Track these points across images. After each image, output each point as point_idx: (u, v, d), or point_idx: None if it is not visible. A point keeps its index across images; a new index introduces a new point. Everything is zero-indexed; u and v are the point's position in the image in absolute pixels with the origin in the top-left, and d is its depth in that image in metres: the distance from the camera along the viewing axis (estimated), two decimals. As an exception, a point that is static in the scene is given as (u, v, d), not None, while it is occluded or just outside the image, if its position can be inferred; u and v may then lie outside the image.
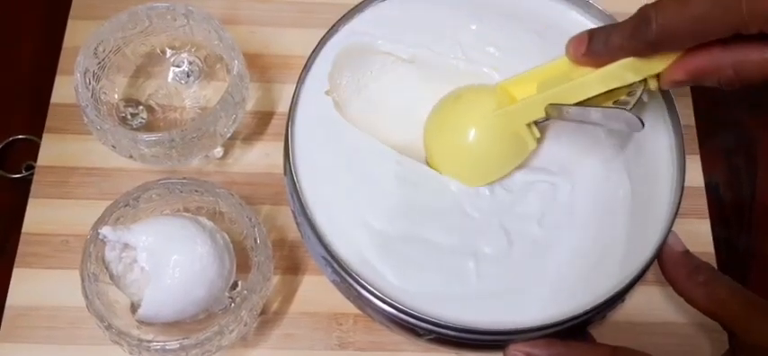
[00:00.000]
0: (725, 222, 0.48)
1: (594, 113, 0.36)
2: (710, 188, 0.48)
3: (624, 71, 0.35)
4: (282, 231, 0.46)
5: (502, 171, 0.41)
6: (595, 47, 0.35)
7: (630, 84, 0.35)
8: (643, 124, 0.35)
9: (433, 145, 0.41)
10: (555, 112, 0.37)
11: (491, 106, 0.39)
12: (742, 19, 0.30)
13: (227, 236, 0.42)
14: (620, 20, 0.42)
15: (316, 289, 0.44)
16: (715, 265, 0.46)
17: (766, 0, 0.29)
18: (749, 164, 0.51)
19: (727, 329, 0.36)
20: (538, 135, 0.40)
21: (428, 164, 0.42)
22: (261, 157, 0.48)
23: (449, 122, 0.41)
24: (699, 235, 0.46)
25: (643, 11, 0.33)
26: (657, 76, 0.35)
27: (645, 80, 0.35)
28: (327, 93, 0.41)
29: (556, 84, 0.37)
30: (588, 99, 0.36)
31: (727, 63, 0.32)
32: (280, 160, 0.46)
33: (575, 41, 0.36)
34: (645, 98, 0.36)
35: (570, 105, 0.36)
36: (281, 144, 0.45)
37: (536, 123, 0.39)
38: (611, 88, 0.35)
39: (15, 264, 0.44)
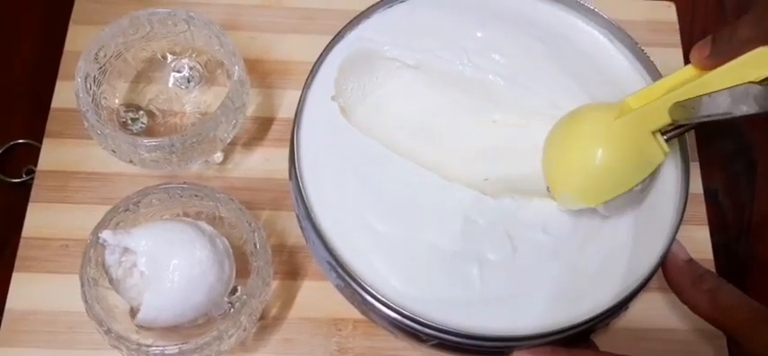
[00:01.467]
0: (724, 228, 0.48)
1: (722, 99, 0.33)
2: (709, 194, 0.49)
3: (751, 66, 0.32)
4: (282, 236, 0.46)
5: (626, 185, 0.37)
6: (720, 46, 0.34)
7: (762, 80, 0.32)
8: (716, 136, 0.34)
9: (555, 165, 0.39)
10: (681, 113, 0.35)
11: (611, 116, 0.37)
12: None
13: (226, 241, 0.42)
14: (625, 27, 0.42)
15: (315, 295, 0.44)
16: (714, 271, 0.46)
17: None
18: (748, 170, 0.51)
19: (731, 337, 0.36)
20: (667, 149, 0.37)
21: (549, 191, 0.40)
22: (261, 163, 0.48)
23: (569, 138, 0.39)
24: (698, 242, 0.46)
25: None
26: None
27: None
28: (333, 98, 0.41)
29: (677, 88, 0.35)
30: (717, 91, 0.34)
31: None
32: (280, 165, 0.46)
33: (698, 47, 0.35)
34: None
35: (696, 97, 0.34)
36: (282, 149, 0.45)
37: (663, 134, 0.37)
38: (741, 81, 0.33)
39: (15, 268, 0.44)
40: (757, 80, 0.32)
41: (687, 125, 0.36)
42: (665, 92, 0.36)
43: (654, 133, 0.37)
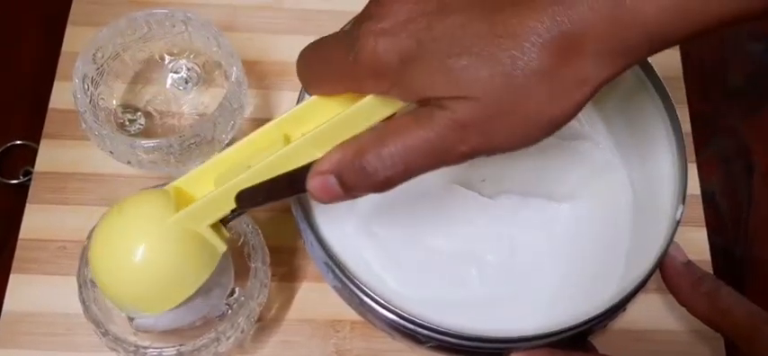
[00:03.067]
0: (721, 230, 0.48)
1: (283, 181, 0.31)
2: (707, 196, 0.49)
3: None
4: (280, 238, 0.45)
5: (191, 288, 0.33)
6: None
7: None
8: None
9: (102, 273, 0.33)
10: (248, 198, 0.31)
11: (167, 212, 0.32)
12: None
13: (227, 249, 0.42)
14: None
15: (313, 296, 0.44)
16: (711, 273, 0.46)
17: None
18: (745, 171, 0.51)
19: (730, 340, 0.36)
20: (227, 234, 0.34)
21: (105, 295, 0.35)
22: (259, 164, 0.48)
23: (117, 242, 0.33)
24: (695, 243, 0.46)
25: None
26: None
27: None
28: None
29: (239, 172, 0.31)
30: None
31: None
32: (278, 167, 0.46)
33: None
34: None
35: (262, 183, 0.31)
36: (279, 150, 0.45)
37: (223, 222, 0.34)
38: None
39: (12, 270, 0.44)
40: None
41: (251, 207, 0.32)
42: (217, 175, 0.33)
43: (214, 224, 0.33)
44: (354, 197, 0.30)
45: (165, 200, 0.33)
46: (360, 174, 0.29)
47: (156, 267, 0.33)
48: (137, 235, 0.33)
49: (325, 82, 0.31)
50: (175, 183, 0.34)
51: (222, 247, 0.34)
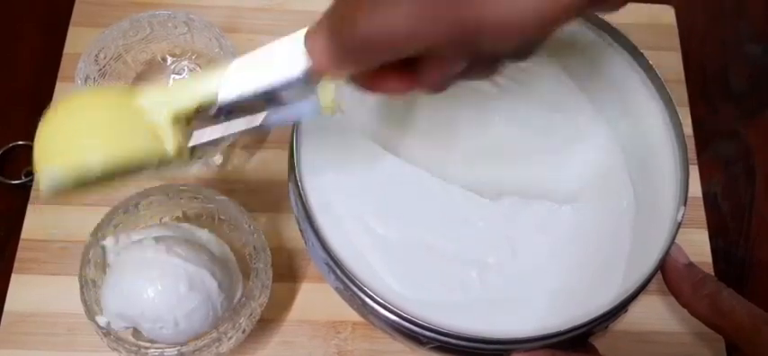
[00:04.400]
0: (723, 232, 0.48)
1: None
2: (708, 197, 0.49)
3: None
4: (281, 239, 0.46)
5: (110, 151, 0.30)
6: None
7: None
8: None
9: (44, 138, 0.30)
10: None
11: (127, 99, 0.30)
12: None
13: (229, 251, 0.42)
14: (623, 29, 0.42)
15: (314, 297, 0.44)
16: (713, 275, 0.46)
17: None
18: (747, 173, 0.51)
19: (732, 342, 0.36)
20: (186, 155, 0.32)
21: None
22: (260, 165, 0.48)
23: (67, 110, 0.31)
24: (697, 245, 0.46)
25: None
26: None
27: None
28: (333, 100, 0.41)
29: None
30: None
31: None
32: (279, 167, 0.46)
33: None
34: None
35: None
36: (281, 151, 0.45)
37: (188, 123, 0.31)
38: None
39: (14, 270, 0.44)
40: None
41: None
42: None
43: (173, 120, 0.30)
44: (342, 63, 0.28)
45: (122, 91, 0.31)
46: (347, 25, 0.26)
47: (91, 112, 0.30)
48: (89, 102, 0.31)
49: None
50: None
51: (169, 146, 0.30)
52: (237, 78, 0.30)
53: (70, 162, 0.29)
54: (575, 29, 0.43)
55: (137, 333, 0.39)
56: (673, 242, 0.38)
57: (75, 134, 0.29)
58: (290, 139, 0.40)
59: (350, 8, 0.27)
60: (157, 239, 0.38)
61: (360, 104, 0.44)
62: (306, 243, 0.40)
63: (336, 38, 0.27)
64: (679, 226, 0.38)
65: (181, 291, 0.37)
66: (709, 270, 0.46)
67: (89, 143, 0.29)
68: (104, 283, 0.38)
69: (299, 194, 0.39)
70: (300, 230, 0.40)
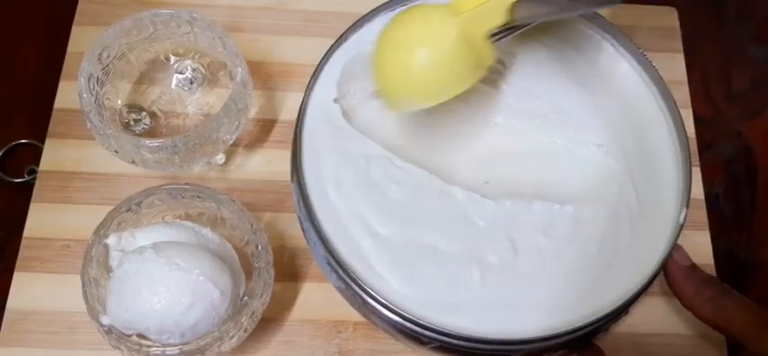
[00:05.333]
0: (725, 233, 0.48)
1: None
2: (710, 199, 0.49)
3: None
4: (283, 238, 0.46)
5: (461, 86, 0.37)
6: None
7: None
8: None
9: (387, 66, 0.38)
10: (523, 10, 0.34)
11: (447, 16, 0.36)
12: None
13: (232, 249, 0.42)
14: (627, 32, 0.42)
15: (316, 297, 0.44)
16: (715, 276, 0.46)
17: None
18: (749, 174, 0.51)
19: (735, 343, 0.36)
20: (495, 55, 0.37)
21: (378, 89, 0.39)
22: (263, 164, 0.48)
23: (403, 39, 0.37)
24: (699, 247, 0.46)
25: None
26: None
27: None
28: (336, 100, 0.41)
29: None
30: None
31: None
32: (281, 167, 0.46)
33: None
34: None
35: None
36: (283, 151, 0.45)
37: (493, 38, 0.37)
38: None
39: (16, 268, 0.44)
40: None
41: (518, 27, 0.36)
42: None
43: (486, 37, 0.36)
44: None
45: (447, 9, 0.36)
46: None
47: (433, 58, 0.36)
48: (422, 26, 0.36)
49: None
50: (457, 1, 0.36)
51: (489, 60, 0.37)
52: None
53: (420, 99, 0.37)
54: (578, 30, 0.43)
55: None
56: (675, 243, 0.38)
57: (429, 72, 0.36)
58: (293, 140, 0.40)
59: None
60: (158, 251, 0.38)
61: (363, 105, 0.44)
62: (308, 242, 0.40)
63: None
64: (681, 227, 0.38)
65: (184, 304, 0.37)
66: (712, 271, 0.46)
67: (441, 84, 0.36)
68: (108, 294, 0.39)
69: (302, 194, 0.39)
70: (303, 230, 0.40)
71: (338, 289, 0.39)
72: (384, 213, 0.39)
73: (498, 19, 0.35)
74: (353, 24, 0.43)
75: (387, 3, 0.43)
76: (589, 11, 0.34)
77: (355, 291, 0.37)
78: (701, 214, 0.48)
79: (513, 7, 0.34)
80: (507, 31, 0.36)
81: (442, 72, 0.37)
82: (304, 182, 0.39)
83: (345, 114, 0.41)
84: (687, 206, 0.38)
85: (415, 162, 0.41)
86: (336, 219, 0.38)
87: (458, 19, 0.36)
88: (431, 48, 0.36)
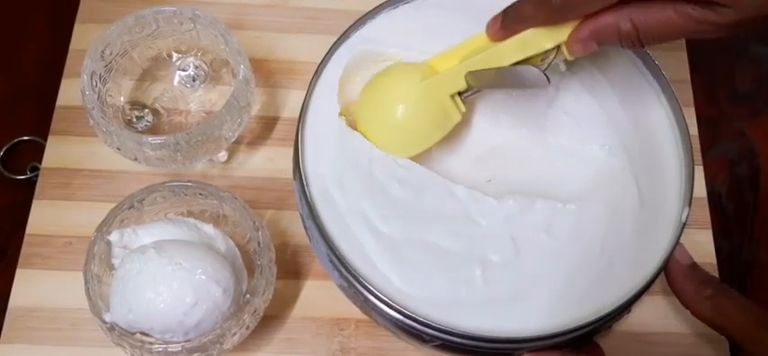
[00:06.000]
0: (727, 232, 0.48)
1: (505, 74, 0.37)
2: (713, 198, 0.49)
3: (536, 38, 0.36)
4: (285, 235, 0.46)
5: (426, 143, 0.41)
6: (508, 20, 0.37)
7: (545, 52, 0.36)
8: (549, 80, 0.36)
9: (363, 115, 0.42)
10: (473, 81, 0.38)
11: (417, 78, 0.40)
12: None
13: (234, 246, 0.42)
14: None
15: (318, 294, 0.44)
16: (717, 275, 0.46)
17: None
18: (751, 172, 0.51)
19: (734, 343, 0.36)
20: (463, 109, 0.40)
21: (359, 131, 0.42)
22: (265, 162, 0.48)
23: (377, 95, 0.41)
24: (701, 245, 0.46)
25: None
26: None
27: (559, 47, 0.36)
28: (340, 114, 0.41)
29: (476, 54, 0.38)
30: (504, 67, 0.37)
31: (626, 19, 0.33)
32: (284, 165, 0.46)
33: (491, 20, 0.37)
34: (562, 67, 0.38)
35: (486, 70, 0.37)
36: (286, 149, 0.45)
37: (461, 95, 0.40)
38: (526, 55, 0.36)
39: (18, 265, 0.44)
40: (538, 52, 0.36)
41: (479, 89, 0.39)
42: (463, 56, 0.39)
43: (452, 96, 0.40)
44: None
45: (419, 69, 0.40)
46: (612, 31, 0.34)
47: (405, 117, 0.40)
48: (395, 89, 0.41)
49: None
50: (429, 60, 0.41)
51: (457, 117, 0.40)
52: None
53: (395, 150, 0.40)
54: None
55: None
56: (677, 242, 0.38)
57: (390, 125, 0.40)
58: (295, 138, 0.40)
59: None
60: (160, 250, 0.38)
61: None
62: (310, 240, 0.40)
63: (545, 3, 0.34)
64: (683, 226, 0.38)
65: (188, 304, 0.37)
66: (714, 270, 0.46)
67: (413, 139, 0.40)
68: (111, 293, 0.39)
69: (304, 192, 0.39)
70: (305, 228, 0.40)
71: (340, 286, 0.39)
72: (386, 211, 0.39)
73: (458, 85, 0.39)
74: (356, 22, 0.43)
75: (389, 0, 0.43)
76: (521, 88, 0.40)
77: (357, 289, 0.37)
78: (704, 213, 0.47)
79: (470, 75, 0.38)
80: (473, 92, 0.40)
81: (410, 129, 0.41)
82: (306, 180, 0.39)
83: (347, 113, 0.41)
84: (689, 205, 0.38)
85: (418, 160, 0.41)
86: (338, 217, 0.38)
87: (423, 84, 0.40)
88: (399, 107, 0.40)
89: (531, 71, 0.36)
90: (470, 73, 0.38)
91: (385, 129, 0.41)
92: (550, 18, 0.35)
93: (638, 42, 0.34)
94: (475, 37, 0.39)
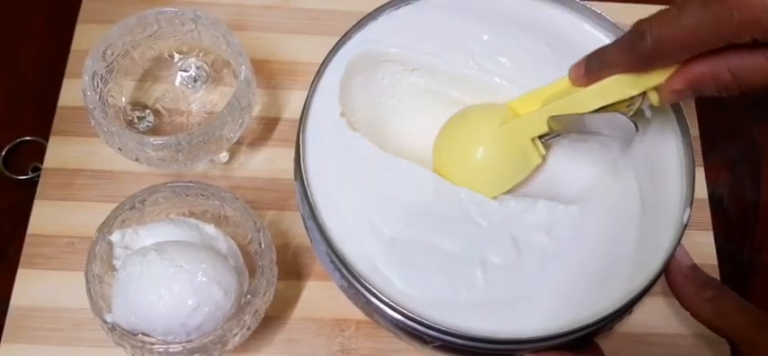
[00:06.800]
0: (728, 233, 0.48)
1: (591, 120, 0.36)
2: (714, 198, 0.49)
3: (622, 85, 0.35)
4: (286, 236, 0.46)
5: (507, 185, 0.41)
6: (592, 66, 0.36)
7: (631, 98, 0.36)
8: (637, 128, 0.35)
9: (442, 159, 0.42)
10: (556, 125, 0.38)
11: (497, 122, 0.40)
12: (734, 29, 0.30)
13: (236, 246, 0.42)
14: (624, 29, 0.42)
15: (319, 295, 0.44)
16: (718, 276, 0.46)
17: (756, 9, 0.29)
18: (753, 174, 0.51)
19: (734, 345, 0.36)
20: (543, 151, 0.40)
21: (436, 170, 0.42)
22: (266, 162, 0.48)
23: (457, 138, 0.42)
24: (702, 247, 0.46)
25: (637, 25, 0.33)
26: (657, 89, 0.35)
27: (644, 93, 0.35)
28: (342, 114, 0.41)
29: (558, 99, 0.38)
30: (588, 113, 0.37)
31: (724, 69, 0.32)
32: (285, 165, 0.46)
33: (575, 64, 0.37)
34: (647, 113, 0.36)
35: (570, 115, 0.37)
36: (287, 149, 0.45)
37: (541, 139, 0.40)
38: (610, 102, 0.36)
39: (20, 265, 0.44)
40: (623, 98, 0.35)
41: (562, 134, 0.39)
42: (545, 100, 0.39)
43: (533, 139, 0.40)
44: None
45: (500, 112, 0.40)
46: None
47: (485, 159, 0.40)
48: (475, 131, 0.41)
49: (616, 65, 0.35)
50: (510, 102, 0.40)
51: (537, 160, 0.40)
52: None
53: (486, 192, 0.40)
54: (583, 31, 0.43)
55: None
56: (678, 244, 0.38)
57: (469, 167, 0.41)
58: (297, 139, 0.40)
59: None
60: (161, 253, 0.38)
61: (367, 103, 0.44)
62: (311, 241, 0.40)
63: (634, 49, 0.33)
64: (685, 227, 0.38)
65: (190, 307, 0.37)
66: (715, 272, 0.46)
67: (494, 180, 0.40)
68: (113, 296, 0.39)
69: (305, 193, 0.39)
70: (306, 228, 0.40)
71: (341, 287, 0.39)
72: (388, 212, 0.39)
73: (540, 128, 0.39)
74: (358, 22, 0.43)
75: (391, 2, 0.43)
76: (607, 134, 0.38)
77: (358, 290, 0.37)
78: (705, 214, 0.47)
79: (552, 120, 0.38)
80: (554, 135, 0.39)
81: (490, 171, 0.41)
82: (307, 181, 0.39)
83: (349, 113, 0.41)
84: (691, 206, 0.38)
85: (418, 161, 0.41)
86: (340, 218, 0.38)
87: (504, 127, 0.40)
88: (480, 149, 0.40)
89: (619, 119, 0.35)
90: (553, 117, 0.38)
91: (464, 171, 0.41)
92: (638, 65, 0.34)
93: (737, 91, 0.33)
94: (557, 81, 0.38)
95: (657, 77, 0.34)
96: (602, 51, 0.36)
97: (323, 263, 0.39)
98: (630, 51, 0.34)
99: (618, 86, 0.35)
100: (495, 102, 0.42)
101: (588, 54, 0.36)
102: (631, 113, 0.35)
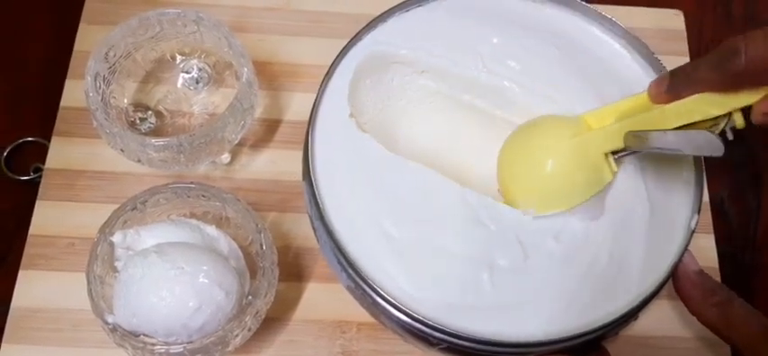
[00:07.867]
0: (730, 237, 0.48)
1: (673, 137, 0.34)
2: (715, 202, 0.49)
3: (707, 104, 0.33)
4: (288, 238, 0.46)
5: (576, 200, 0.39)
6: (677, 81, 0.34)
7: (714, 119, 0.34)
8: (725, 146, 0.33)
9: (508, 172, 0.41)
10: (633, 141, 0.36)
11: (569, 133, 0.39)
12: None
13: (237, 247, 0.42)
14: (639, 34, 0.42)
15: (320, 297, 0.44)
16: (719, 279, 0.46)
17: None
18: (754, 179, 0.51)
19: (739, 352, 0.36)
20: (615, 168, 0.39)
21: (502, 196, 0.41)
22: (268, 164, 0.48)
23: (525, 149, 0.41)
24: (703, 250, 0.46)
25: (731, 42, 0.31)
26: (743, 111, 0.33)
27: (730, 114, 0.33)
28: (351, 115, 0.41)
29: (635, 115, 0.37)
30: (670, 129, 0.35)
31: None
32: (287, 167, 0.46)
33: (656, 80, 0.35)
34: (730, 135, 0.34)
35: (649, 131, 0.35)
36: (289, 151, 0.45)
37: (614, 155, 0.38)
38: (691, 121, 0.34)
39: (21, 266, 0.44)
40: (705, 118, 0.34)
41: (638, 151, 0.37)
42: (620, 116, 0.37)
43: (606, 154, 0.38)
44: None
45: (572, 124, 0.39)
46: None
47: (554, 171, 0.39)
48: (545, 142, 0.40)
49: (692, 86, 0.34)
50: (583, 114, 0.39)
51: (609, 176, 0.39)
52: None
53: (548, 209, 0.39)
54: (591, 34, 0.43)
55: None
56: (686, 249, 0.37)
57: (538, 179, 0.39)
58: (305, 139, 0.40)
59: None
60: (162, 255, 0.38)
61: (375, 106, 0.44)
62: (318, 241, 0.40)
63: (725, 66, 0.32)
64: (692, 233, 0.38)
65: (191, 308, 0.37)
66: (716, 274, 0.46)
67: (562, 196, 0.39)
68: (114, 297, 0.39)
69: (313, 193, 0.39)
70: (313, 229, 0.40)
71: (348, 288, 0.39)
72: (396, 214, 0.39)
73: (615, 143, 0.37)
74: (368, 24, 0.42)
75: (402, 3, 0.43)
76: (690, 153, 0.36)
77: (365, 291, 0.37)
78: (706, 217, 0.48)
79: (629, 136, 0.36)
80: (629, 152, 0.38)
81: (560, 184, 0.39)
82: (316, 182, 0.39)
83: (358, 114, 0.41)
84: (699, 212, 0.38)
85: (427, 164, 0.40)
86: (348, 219, 0.38)
87: (576, 139, 0.38)
88: (550, 162, 0.39)
89: (706, 136, 0.33)
90: (632, 133, 0.36)
91: (532, 182, 0.40)
92: (727, 84, 0.32)
93: None
94: (632, 96, 0.37)
95: (745, 98, 0.32)
96: (688, 67, 0.34)
97: (330, 264, 0.39)
98: (720, 69, 0.32)
99: (702, 105, 0.33)
100: (565, 115, 0.40)
101: (671, 70, 0.35)
102: (718, 132, 0.33)
